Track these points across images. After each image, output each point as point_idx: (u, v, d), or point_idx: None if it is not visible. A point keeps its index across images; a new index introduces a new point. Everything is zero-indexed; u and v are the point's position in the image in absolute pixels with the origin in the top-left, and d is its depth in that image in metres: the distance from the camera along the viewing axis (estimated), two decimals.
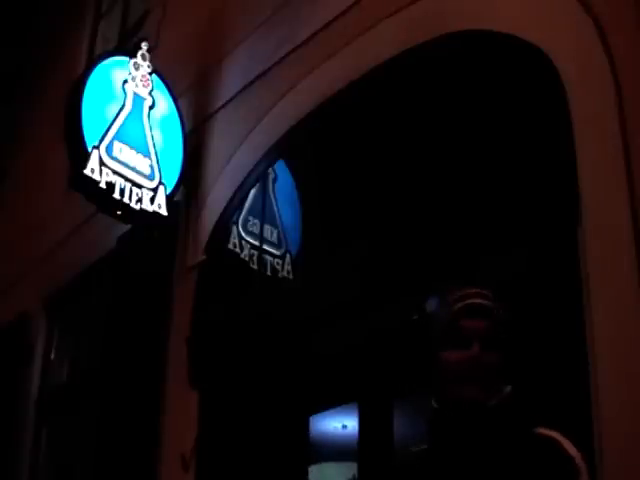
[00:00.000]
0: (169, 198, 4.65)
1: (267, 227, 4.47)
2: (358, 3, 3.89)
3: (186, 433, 4.20)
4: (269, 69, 4.45)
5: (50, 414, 6.09)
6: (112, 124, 4.56)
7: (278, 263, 4.37)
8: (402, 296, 3.22)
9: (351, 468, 4.65)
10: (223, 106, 4.81)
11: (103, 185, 4.38)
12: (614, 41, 2.68)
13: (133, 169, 4.56)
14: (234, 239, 4.44)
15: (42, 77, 7.87)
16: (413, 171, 3.46)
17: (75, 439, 5.70)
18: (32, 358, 6.33)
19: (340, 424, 6.06)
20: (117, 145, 4.53)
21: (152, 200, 4.57)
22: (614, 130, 2.56)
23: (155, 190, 4.61)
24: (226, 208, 4.48)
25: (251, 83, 4.59)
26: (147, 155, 4.66)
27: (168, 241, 4.76)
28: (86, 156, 4.34)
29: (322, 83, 3.99)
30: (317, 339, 3.60)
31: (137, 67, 4.79)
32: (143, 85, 4.78)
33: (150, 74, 4.84)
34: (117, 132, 4.56)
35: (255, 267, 4.40)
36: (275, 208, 4.50)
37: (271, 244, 4.43)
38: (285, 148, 4.29)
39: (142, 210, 4.53)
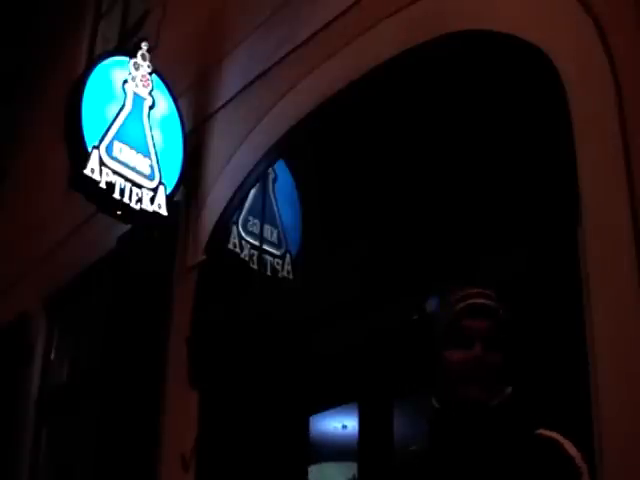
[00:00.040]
0: (169, 198, 4.65)
1: (267, 227, 4.47)
2: (358, 3, 3.89)
3: (186, 433, 4.20)
4: (269, 69, 4.45)
5: (50, 414, 6.09)
6: (112, 124, 4.56)
7: (278, 263, 4.37)
8: (402, 296, 3.22)
9: (351, 468, 4.65)
10: (223, 106, 4.81)
11: (103, 185, 4.38)
12: (614, 41, 2.68)
13: (133, 169, 4.56)
14: (234, 239, 4.44)
15: (42, 77, 7.87)
16: (413, 171, 3.46)
17: (75, 439, 5.70)
18: (32, 358, 6.33)
19: (340, 424, 6.06)
20: (117, 145, 4.53)
21: (152, 200, 4.57)
22: (614, 130, 2.56)
23: (155, 190, 4.61)
24: (226, 208, 4.48)
25: (251, 83, 4.60)
26: (147, 155, 4.66)
27: (168, 241, 4.76)
28: (86, 156, 4.34)
29: (322, 83, 3.99)
30: (317, 339, 3.60)
31: (137, 67, 4.79)
32: (143, 85, 4.78)
33: (150, 74, 4.84)
34: (117, 132, 4.56)
35: (255, 267, 4.40)
36: (275, 208, 4.50)
37: (271, 244, 4.43)
38: (285, 148, 4.29)
39: (142, 210, 4.53)
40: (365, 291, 3.46)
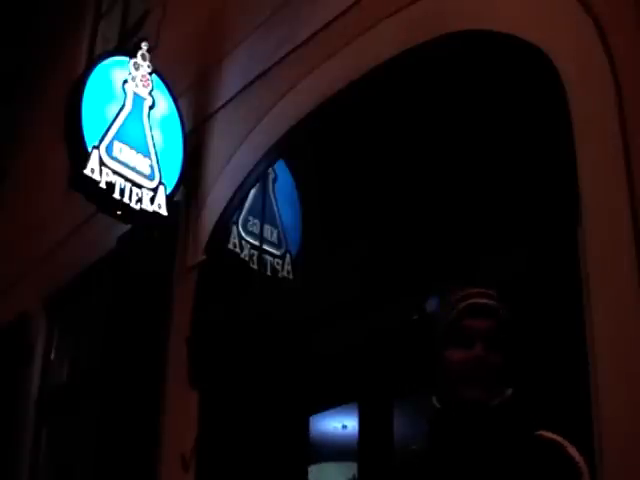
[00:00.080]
0: (169, 198, 4.65)
1: (267, 227, 4.47)
2: (358, 3, 3.89)
3: (186, 433, 4.20)
4: (269, 69, 4.45)
5: (50, 414, 6.09)
6: (112, 124, 4.56)
7: (278, 263, 4.37)
8: (402, 296, 3.22)
9: (351, 468, 4.65)
10: (223, 106, 4.81)
11: (103, 185, 4.38)
12: (614, 41, 2.68)
13: (133, 169, 4.56)
14: (234, 239, 4.44)
15: (42, 77, 7.87)
16: (413, 171, 3.46)
17: (75, 439, 5.70)
18: (32, 358, 6.33)
19: (340, 424, 6.06)
20: (117, 145, 4.53)
21: (152, 200, 4.57)
22: (614, 130, 2.56)
23: (155, 190, 4.61)
24: (226, 208, 4.48)
25: (251, 83, 4.60)
26: (147, 155, 4.66)
27: (168, 241, 4.76)
28: (86, 156, 4.34)
29: (322, 83, 3.99)
30: (317, 339, 3.60)
31: (137, 67, 4.79)
32: (143, 85, 4.78)
33: (150, 74, 4.84)
34: (117, 132, 4.56)
35: (255, 267, 4.40)
36: (275, 208, 4.50)
37: (271, 244, 4.43)
38: (285, 148, 4.29)
39: (142, 210, 4.53)
40: (365, 291, 3.46)
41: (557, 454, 1.63)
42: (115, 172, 4.45)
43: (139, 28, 6.14)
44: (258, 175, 4.44)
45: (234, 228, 4.46)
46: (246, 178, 4.43)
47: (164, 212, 4.60)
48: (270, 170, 4.46)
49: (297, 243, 4.35)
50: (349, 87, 3.80)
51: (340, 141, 3.92)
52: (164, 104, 4.86)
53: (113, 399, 4.86)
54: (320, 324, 3.58)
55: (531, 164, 2.89)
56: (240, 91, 4.68)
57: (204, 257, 4.50)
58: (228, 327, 4.16)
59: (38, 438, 6.07)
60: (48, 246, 6.45)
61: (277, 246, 4.42)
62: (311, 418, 3.89)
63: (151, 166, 4.65)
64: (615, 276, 2.46)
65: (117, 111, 4.61)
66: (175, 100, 4.91)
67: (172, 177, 4.72)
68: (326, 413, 4.69)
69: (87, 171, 4.32)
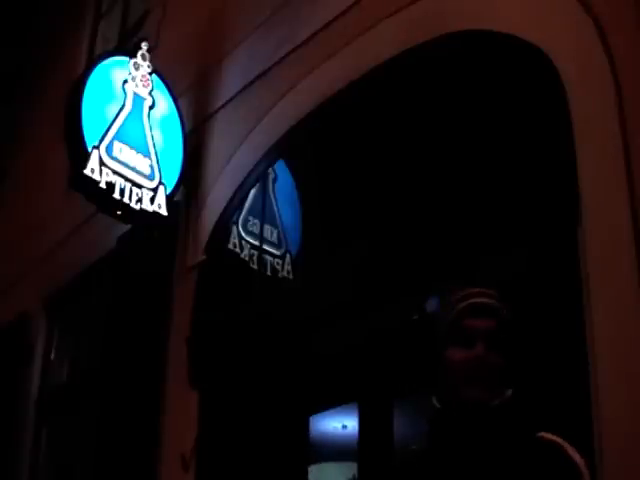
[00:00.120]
0: (169, 198, 4.65)
1: (267, 227, 4.47)
2: (358, 3, 3.89)
3: (186, 433, 4.20)
4: (269, 69, 4.45)
5: (50, 414, 6.09)
6: (112, 124, 4.56)
7: (278, 263, 4.37)
8: (402, 296, 3.22)
9: (351, 468, 4.65)
10: (223, 106, 4.81)
11: (103, 185, 4.38)
12: (614, 41, 2.68)
13: (133, 169, 4.56)
14: (234, 239, 4.44)
15: (42, 77, 7.87)
16: (413, 171, 3.46)
17: (75, 439, 5.70)
18: (32, 358, 6.33)
19: (340, 424, 6.06)
20: (117, 145, 4.53)
21: (152, 200, 4.57)
22: (614, 130, 2.56)
23: (155, 190, 4.61)
24: (226, 208, 4.48)
25: (251, 83, 4.60)
26: (147, 155, 4.66)
27: (168, 241, 4.76)
28: (86, 156, 4.34)
29: (322, 83, 3.99)
30: (317, 339, 3.60)
31: (137, 67, 4.79)
32: (143, 85, 4.78)
33: (150, 74, 4.84)
34: (117, 132, 4.56)
35: (255, 267, 4.40)
36: (275, 208, 4.50)
37: (271, 244, 4.43)
38: (285, 148, 4.29)
39: (142, 210, 4.53)
40: (365, 291, 3.46)
41: (558, 456, 1.63)
42: (115, 172, 4.45)
43: (139, 28, 6.14)
44: (258, 175, 4.44)
45: (234, 228, 4.46)
46: (246, 178, 4.43)
47: (164, 212, 4.60)
48: (270, 170, 4.46)
49: (297, 243, 4.35)
50: (349, 87, 3.80)
51: (340, 141, 3.92)
52: (164, 104, 4.86)
53: (113, 399, 4.86)
54: (320, 324, 3.58)
55: (531, 164, 2.89)
56: (240, 91, 4.68)
57: (204, 257, 4.50)
58: (228, 327, 4.16)
59: (38, 438, 6.07)
60: (48, 246, 6.45)
61: (277, 246, 4.42)
62: (311, 418, 3.89)
63: (151, 166, 4.65)
64: (615, 276, 2.46)
65: (117, 111, 4.61)
66: (175, 100, 4.91)
67: (172, 177, 4.72)
68: (326, 413, 4.69)
69: (87, 171, 4.32)
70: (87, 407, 5.40)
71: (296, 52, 4.26)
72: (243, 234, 4.46)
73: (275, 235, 4.46)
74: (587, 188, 2.61)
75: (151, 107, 4.77)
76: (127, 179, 4.50)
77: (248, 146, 4.46)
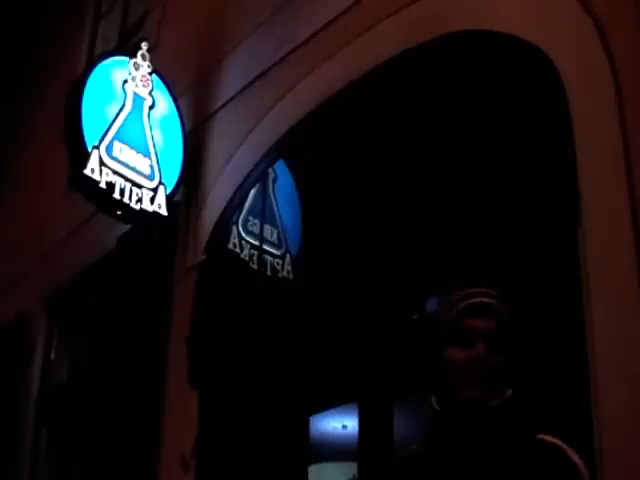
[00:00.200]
0: (169, 198, 4.65)
1: (267, 227, 4.47)
2: (358, 3, 3.89)
3: (186, 433, 4.20)
4: (269, 69, 4.45)
5: (50, 414, 6.09)
6: (112, 124, 4.56)
7: (278, 263, 4.37)
8: (402, 296, 3.22)
9: (351, 468, 4.66)
10: (223, 106, 4.81)
11: (103, 185, 4.38)
12: (614, 41, 2.68)
13: (133, 169, 4.56)
14: (234, 239, 4.44)
15: (42, 77, 7.87)
16: (413, 171, 3.46)
17: (75, 439, 5.70)
18: (32, 358, 6.33)
19: (340, 424, 6.07)
20: (117, 145, 4.53)
21: (152, 200, 4.57)
22: (614, 130, 2.56)
23: (155, 190, 4.61)
24: (226, 208, 4.48)
25: (251, 83, 4.60)
26: (147, 155, 4.66)
27: (168, 241, 4.76)
28: (86, 156, 4.34)
29: (322, 83, 3.99)
30: (317, 339, 3.60)
31: (137, 67, 4.79)
32: (143, 85, 4.78)
33: (150, 74, 4.84)
34: (117, 132, 4.56)
35: (255, 267, 4.40)
36: (275, 208, 4.50)
37: (271, 244, 4.43)
38: (285, 148, 4.29)
39: (142, 210, 4.53)
40: (365, 291, 3.46)
41: (558, 458, 1.63)
42: (115, 172, 4.45)
43: (139, 28, 6.14)
44: (258, 175, 4.44)
45: (234, 228, 4.46)
46: (246, 178, 4.43)
47: (164, 212, 4.60)
48: (270, 170, 4.46)
49: (297, 243, 4.35)
50: (349, 87, 3.80)
51: (340, 141, 3.92)
52: (164, 104, 4.86)
53: (113, 399, 4.86)
54: (320, 324, 3.58)
55: (531, 164, 2.89)
56: (240, 91, 4.68)
57: (204, 257, 4.50)
58: (228, 327, 4.16)
59: (38, 438, 6.07)
60: (48, 246, 6.45)
61: (277, 246, 4.42)
62: (311, 418, 3.89)
63: (151, 166, 4.65)
64: (615, 276, 2.46)
65: (117, 111, 4.61)
66: (175, 100, 4.91)
67: (172, 177, 4.72)
68: (326, 413, 4.69)
69: (87, 171, 4.32)
70: (87, 407, 5.40)
71: (296, 52, 4.26)
72: (243, 234, 4.46)
73: (275, 235, 4.46)
74: (587, 188, 2.61)
75: (151, 107, 4.77)
76: (127, 179, 4.50)
77: (248, 146, 4.46)
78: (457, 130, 3.27)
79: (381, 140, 3.68)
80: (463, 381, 1.70)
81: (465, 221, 3.09)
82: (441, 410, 1.75)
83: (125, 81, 4.70)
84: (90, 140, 4.42)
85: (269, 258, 4.39)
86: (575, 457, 1.64)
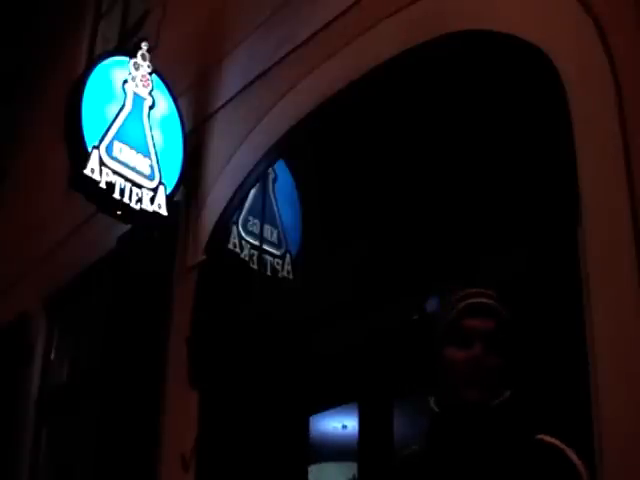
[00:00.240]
0: (169, 198, 4.65)
1: (267, 227, 4.47)
2: (358, 3, 3.89)
3: (186, 433, 4.20)
4: (269, 69, 4.45)
5: (50, 414, 6.09)
6: (112, 124, 4.56)
7: (278, 263, 4.37)
8: (402, 296, 3.22)
9: (351, 468, 4.66)
10: (223, 106, 4.81)
11: (103, 185, 4.38)
12: (614, 41, 2.68)
13: (133, 169, 4.56)
14: (234, 239, 4.44)
15: (42, 77, 7.87)
16: (413, 171, 3.46)
17: (75, 439, 5.70)
18: (32, 358, 6.33)
19: (340, 424, 6.07)
20: (117, 145, 4.53)
21: (152, 200, 4.57)
22: (614, 130, 2.56)
23: (155, 190, 4.61)
24: (226, 208, 4.48)
25: (251, 83, 4.59)
26: (147, 155, 4.66)
27: (168, 241, 4.76)
28: (86, 156, 4.34)
29: (322, 83, 3.99)
30: (317, 339, 3.60)
31: (137, 67, 4.79)
32: (143, 85, 4.78)
33: (150, 74, 4.84)
34: (117, 132, 4.56)
35: (255, 267, 4.40)
36: (275, 208, 4.50)
37: (271, 244, 4.43)
38: (285, 148, 4.29)
39: (142, 210, 4.53)
40: (365, 291, 3.46)
41: (557, 458, 1.63)
42: (115, 172, 4.45)
43: (139, 28, 6.14)
44: (258, 175, 4.44)
45: (234, 228, 4.46)
46: (246, 178, 4.43)
47: (164, 212, 4.60)
48: (270, 170, 4.46)
49: (297, 243, 4.35)
50: (349, 87, 3.80)
51: (340, 141, 3.92)
52: (164, 104, 4.86)
53: (113, 399, 4.86)
54: (320, 324, 3.58)
55: (531, 164, 2.89)
56: (240, 91, 4.68)
57: (204, 257, 4.50)
58: (228, 327, 4.16)
59: (38, 438, 6.07)
60: (48, 246, 6.45)
61: (277, 246, 4.42)
62: (311, 418, 3.89)
63: (151, 166, 4.65)
64: (615, 276, 2.46)
65: (117, 111, 4.61)
66: (175, 100, 4.91)
67: (172, 177, 4.72)
68: (326, 413, 4.70)
69: (87, 171, 4.32)
70: (87, 407, 5.40)
71: (296, 52, 4.26)
72: (243, 234, 4.46)
73: (275, 235, 4.46)
74: (587, 188, 2.61)
75: (151, 107, 4.77)
76: (127, 179, 4.50)
77: (248, 146, 4.46)
78: (457, 130, 3.27)
79: (381, 140, 3.68)
80: (462, 381, 1.70)
81: (465, 221, 3.09)
82: (439, 413, 1.75)
83: (125, 81, 4.70)
84: (90, 140, 4.42)
85: (269, 258, 4.39)
86: (574, 457, 1.64)
